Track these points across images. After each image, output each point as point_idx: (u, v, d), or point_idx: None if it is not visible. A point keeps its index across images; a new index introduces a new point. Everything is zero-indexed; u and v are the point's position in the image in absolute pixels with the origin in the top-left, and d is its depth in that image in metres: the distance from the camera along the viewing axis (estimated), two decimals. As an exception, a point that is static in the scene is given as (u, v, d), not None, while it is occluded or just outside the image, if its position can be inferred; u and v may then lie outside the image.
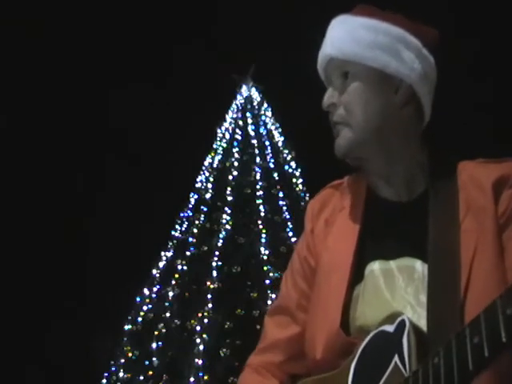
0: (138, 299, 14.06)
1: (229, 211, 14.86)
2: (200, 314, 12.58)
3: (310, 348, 1.16)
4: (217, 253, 13.85)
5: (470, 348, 0.76)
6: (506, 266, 1.06)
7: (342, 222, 1.24)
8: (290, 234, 13.90)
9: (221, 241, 14.22)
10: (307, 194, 15.50)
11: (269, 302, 11.91)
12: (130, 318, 13.81)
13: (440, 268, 1.06)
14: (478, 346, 0.75)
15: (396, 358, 0.94)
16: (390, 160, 1.19)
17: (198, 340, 12.14)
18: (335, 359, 1.09)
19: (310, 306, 1.22)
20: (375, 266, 1.14)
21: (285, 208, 15.16)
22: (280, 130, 18.45)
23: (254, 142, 17.67)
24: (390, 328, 0.99)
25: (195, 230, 15.07)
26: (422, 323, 1.01)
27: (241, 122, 18.64)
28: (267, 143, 17.80)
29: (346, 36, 1.22)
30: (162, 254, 14.86)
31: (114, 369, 13.05)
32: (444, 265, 1.06)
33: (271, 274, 12.87)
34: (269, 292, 12.33)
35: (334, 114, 1.21)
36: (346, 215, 1.24)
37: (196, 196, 16.11)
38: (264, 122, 18.83)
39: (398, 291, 1.09)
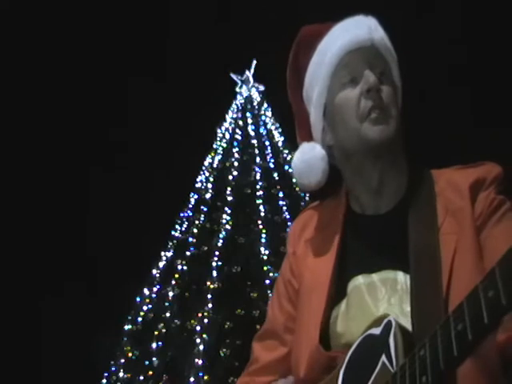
0: (137, 299, 14.08)
1: (229, 211, 14.86)
2: (200, 314, 12.58)
3: (295, 367, 1.16)
4: (217, 253, 13.86)
5: (455, 335, 0.77)
6: (485, 265, 1.05)
7: (320, 241, 1.24)
8: (290, 233, 13.86)
9: (221, 241, 14.22)
10: (307, 194, 15.50)
11: (269, 302, 11.89)
12: (129, 317, 13.82)
13: (421, 275, 1.06)
14: (462, 332, 0.75)
15: (383, 358, 0.95)
16: (393, 167, 1.18)
17: (198, 340, 12.14)
18: (319, 376, 1.09)
19: (295, 328, 1.22)
20: (358, 281, 1.14)
21: (285, 208, 15.17)
22: (280, 129, 18.48)
23: (254, 142, 17.67)
24: (376, 331, 1.00)
25: (195, 230, 15.08)
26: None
27: (241, 122, 18.64)
28: (267, 143, 17.81)
29: (381, 29, 1.24)
30: (162, 254, 14.87)
31: (113, 369, 13.05)
32: (425, 271, 1.06)
33: (271, 274, 12.87)
34: (269, 292, 12.33)
35: (381, 98, 1.15)
36: (325, 234, 1.24)
37: (196, 196, 16.11)
38: (264, 122, 18.84)
39: (382, 303, 1.09)
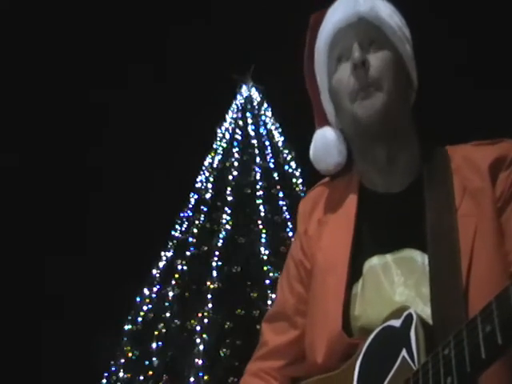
0: (137, 299, 14.06)
1: (229, 211, 14.85)
2: (200, 314, 12.57)
3: (311, 352, 1.13)
4: (217, 253, 13.85)
5: (483, 337, 0.74)
6: (506, 249, 1.03)
7: (335, 220, 1.20)
8: (290, 234, 13.88)
9: (221, 241, 14.21)
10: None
11: (269, 302, 11.90)
12: (130, 317, 13.80)
13: (440, 257, 1.03)
14: (491, 334, 0.73)
15: (404, 352, 0.92)
16: (399, 142, 1.15)
17: (198, 340, 12.14)
18: (337, 362, 1.06)
19: (308, 310, 1.19)
20: (373, 262, 1.11)
21: (285, 208, 15.16)
22: (280, 129, 18.47)
23: (254, 142, 17.67)
24: (396, 323, 0.97)
25: (195, 230, 15.07)
26: (425, 315, 0.98)
27: (241, 122, 18.63)
28: (267, 143, 17.80)
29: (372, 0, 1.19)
30: (162, 254, 14.85)
31: (113, 369, 13.04)
32: (444, 253, 1.03)
33: (271, 274, 12.86)
34: (269, 292, 12.32)
35: (366, 74, 1.11)
36: (339, 213, 1.20)
37: (196, 196, 16.11)
38: (264, 122, 18.84)
39: (398, 285, 1.07)
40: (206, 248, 14.36)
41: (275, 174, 16.41)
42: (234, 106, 19.47)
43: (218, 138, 17.96)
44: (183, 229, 15.39)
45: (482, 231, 1.04)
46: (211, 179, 16.47)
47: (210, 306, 12.67)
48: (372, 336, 1.01)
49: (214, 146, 17.70)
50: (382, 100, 1.10)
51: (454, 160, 1.15)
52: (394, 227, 1.13)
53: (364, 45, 1.14)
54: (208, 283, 13.11)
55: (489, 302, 0.76)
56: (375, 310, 1.06)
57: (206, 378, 11.66)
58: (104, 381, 12.92)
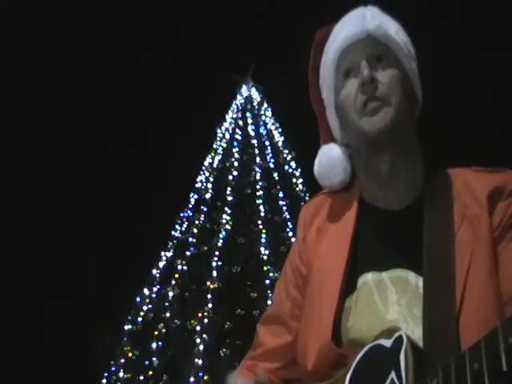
0: (137, 299, 14.07)
1: (229, 211, 14.86)
2: (200, 314, 12.58)
3: (302, 358, 1.15)
4: (217, 253, 13.85)
5: (470, 373, 0.75)
6: (500, 279, 1.04)
7: (334, 231, 1.22)
8: (290, 234, 13.89)
9: (221, 241, 14.22)
10: (307, 194, 15.49)
11: (269, 302, 11.90)
12: (129, 317, 13.81)
13: (435, 281, 1.05)
14: (478, 373, 0.74)
15: (393, 375, 0.93)
16: (404, 158, 1.15)
17: (198, 340, 12.14)
18: (327, 370, 1.08)
19: (302, 316, 1.20)
20: (368, 278, 1.12)
21: (285, 208, 15.17)
22: (280, 129, 18.47)
23: (254, 142, 17.67)
24: (386, 343, 0.97)
25: (195, 230, 15.07)
26: (415, 336, 0.99)
27: (241, 122, 18.64)
28: (267, 143, 17.80)
29: (382, 17, 1.22)
30: (162, 254, 14.86)
31: (113, 369, 13.05)
32: (439, 278, 1.05)
33: (271, 274, 12.87)
34: (269, 292, 12.32)
35: (375, 90, 1.12)
36: (339, 225, 1.22)
37: (196, 196, 16.11)
38: (264, 122, 18.84)
39: (391, 303, 1.08)
40: (206, 248, 14.36)
41: (275, 174, 16.42)
42: (234, 105, 19.48)
43: (218, 138, 17.97)
44: (183, 229, 15.39)
45: (478, 258, 1.05)
46: (211, 179, 16.48)
47: (210, 306, 12.68)
48: (362, 352, 1.01)
49: (214, 146, 17.70)
50: (391, 114, 1.12)
51: (455, 185, 1.16)
52: (390, 245, 1.14)
53: (372, 61, 1.16)
54: (208, 283, 13.12)
55: (478, 340, 0.77)
56: (367, 324, 1.07)
57: (205, 378, 11.66)
58: (104, 381, 12.93)
